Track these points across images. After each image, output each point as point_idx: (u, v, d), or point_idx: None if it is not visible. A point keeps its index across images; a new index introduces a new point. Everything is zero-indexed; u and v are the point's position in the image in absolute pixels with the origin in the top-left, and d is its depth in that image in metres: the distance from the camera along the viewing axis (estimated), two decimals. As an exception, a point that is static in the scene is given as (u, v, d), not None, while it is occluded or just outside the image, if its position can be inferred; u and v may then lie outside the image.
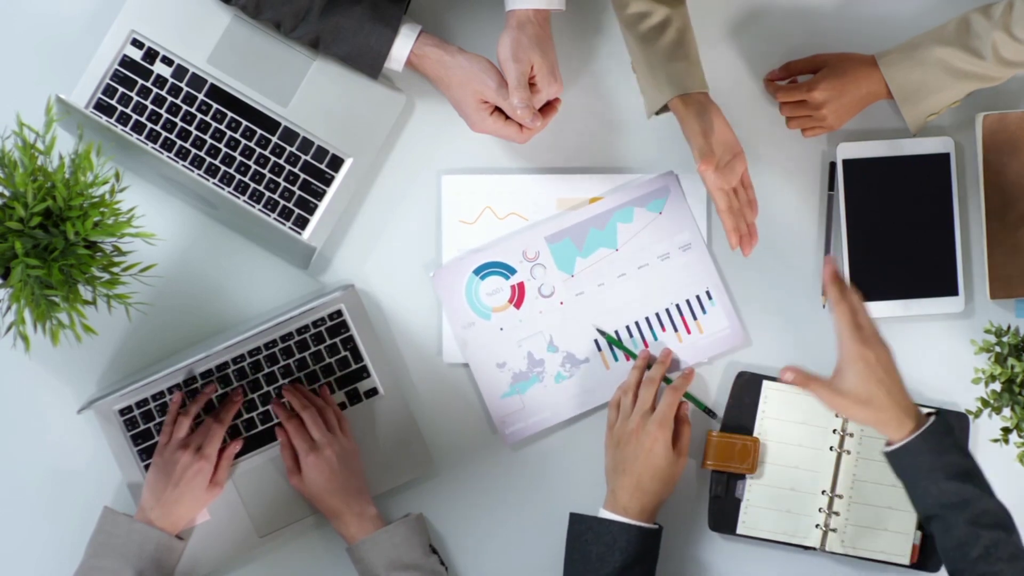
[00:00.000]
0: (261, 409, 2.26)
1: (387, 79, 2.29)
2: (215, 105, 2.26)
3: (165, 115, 2.26)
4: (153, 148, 2.25)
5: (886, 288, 2.29)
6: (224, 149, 2.26)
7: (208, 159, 2.26)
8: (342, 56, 2.23)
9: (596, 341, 2.29)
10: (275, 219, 2.26)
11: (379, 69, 2.23)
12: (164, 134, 2.26)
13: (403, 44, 2.21)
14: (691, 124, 2.15)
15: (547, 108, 2.23)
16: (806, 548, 2.26)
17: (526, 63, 2.18)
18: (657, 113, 2.18)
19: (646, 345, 2.29)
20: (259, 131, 2.26)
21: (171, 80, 2.26)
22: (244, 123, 2.26)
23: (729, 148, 2.16)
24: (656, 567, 2.18)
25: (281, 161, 2.26)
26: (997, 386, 2.07)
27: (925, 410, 2.08)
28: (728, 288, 2.30)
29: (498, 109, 2.22)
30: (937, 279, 2.30)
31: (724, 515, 2.27)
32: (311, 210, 2.26)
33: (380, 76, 2.26)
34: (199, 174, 2.26)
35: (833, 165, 2.30)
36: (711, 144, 2.14)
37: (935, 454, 2.05)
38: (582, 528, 2.18)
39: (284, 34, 2.23)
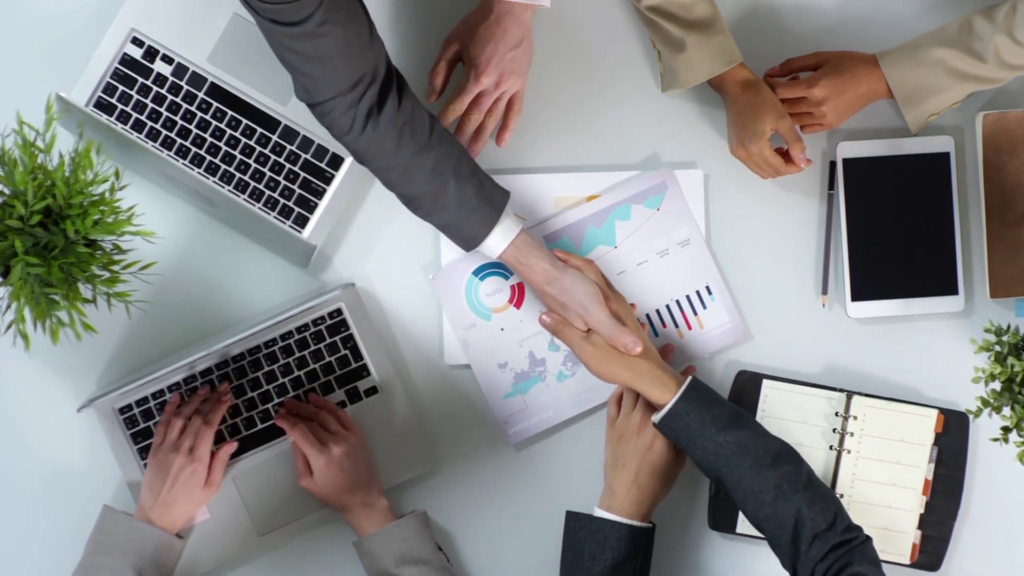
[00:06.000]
0: (261, 408, 2.26)
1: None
2: (215, 103, 2.26)
3: (165, 113, 2.25)
4: (153, 146, 2.25)
5: (886, 287, 2.29)
6: (224, 147, 2.26)
7: (208, 157, 2.26)
8: (438, 225, 2.15)
9: (596, 340, 2.29)
10: (275, 217, 2.26)
11: (473, 247, 2.16)
12: (164, 132, 2.25)
13: (503, 234, 2.15)
14: (767, 94, 2.22)
15: (508, 108, 2.27)
16: (806, 547, 2.27)
17: (448, 48, 2.23)
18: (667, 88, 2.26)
19: (646, 344, 2.29)
20: (259, 129, 2.26)
21: (171, 78, 2.26)
22: (244, 121, 2.26)
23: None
24: (649, 565, 2.18)
25: (281, 159, 2.26)
26: (997, 385, 2.07)
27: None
28: (728, 283, 2.31)
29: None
30: (937, 278, 2.30)
31: (724, 514, 2.27)
32: (311, 208, 2.26)
33: None
34: (199, 172, 2.26)
35: (833, 164, 2.30)
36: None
37: (703, 409, 2.12)
38: (577, 526, 2.18)
39: (388, 187, 2.12)
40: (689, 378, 2.15)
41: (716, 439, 2.10)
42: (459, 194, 2.12)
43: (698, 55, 2.21)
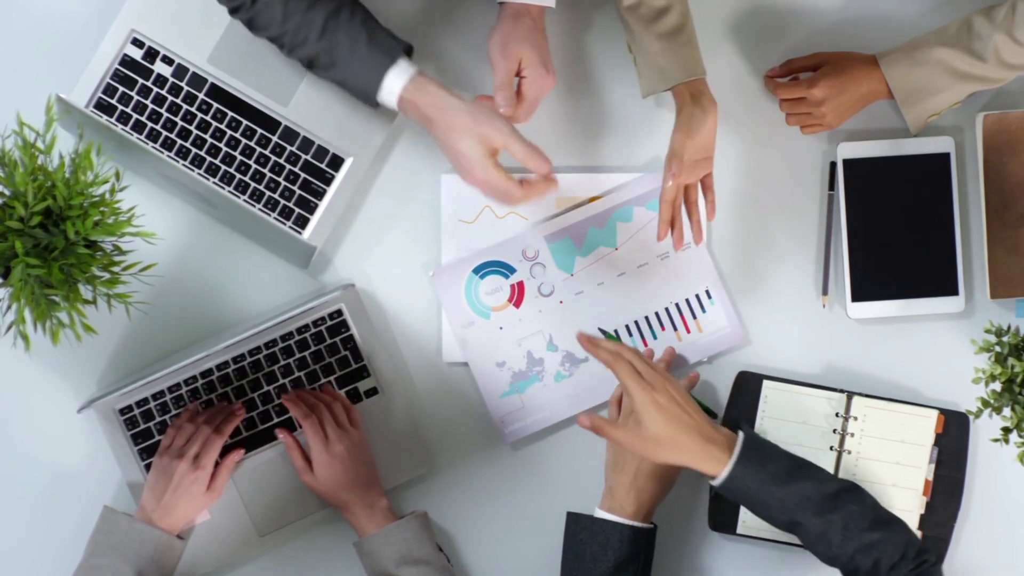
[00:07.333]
0: (261, 409, 2.26)
1: (387, 78, 2.28)
2: (215, 104, 2.26)
3: (165, 114, 2.25)
4: (153, 147, 2.25)
5: (886, 288, 2.29)
6: (224, 148, 2.26)
7: (208, 158, 2.26)
8: (336, 81, 2.17)
9: (596, 340, 2.29)
10: (275, 218, 2.26)
11: (373, 97, 2.15)
12: (164, 133, 2.26)
13: (399, 76, 2.14)
14: (683, 118, 2.16)
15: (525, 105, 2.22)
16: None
17: (514, 59, 2.16)
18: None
19: (645, 344, 2.29)
20: (259, 130, 2.26)
21: (171, 79, 2.26)
22: (244, 122, 2.26)
23: (703, 149, 2.17)
24: (650, 567, 2.18)
25: (281, 160, 2.26)
26: (997, 386, 2.07)
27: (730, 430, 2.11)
28: (727, 287, 2.31)
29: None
30: (937, 279, 2.30)
31: (724, 515, 2.27)
32: (311, 209, 2.26)
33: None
34: (199, 173, 2.26)
35: (833, 165, 2.30)
36: (686, 145, 2.15)
37: (758, 469, 2.07)
38: (577, 528, 2.18)
39: (286, 54, 2.16)
40: (740, 439, 2.08)
41: (777, 495, 2.07)
42: (351, 46, 2.13)
43: (662, 62, 2.18)
